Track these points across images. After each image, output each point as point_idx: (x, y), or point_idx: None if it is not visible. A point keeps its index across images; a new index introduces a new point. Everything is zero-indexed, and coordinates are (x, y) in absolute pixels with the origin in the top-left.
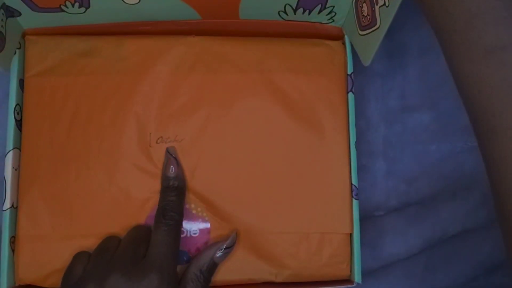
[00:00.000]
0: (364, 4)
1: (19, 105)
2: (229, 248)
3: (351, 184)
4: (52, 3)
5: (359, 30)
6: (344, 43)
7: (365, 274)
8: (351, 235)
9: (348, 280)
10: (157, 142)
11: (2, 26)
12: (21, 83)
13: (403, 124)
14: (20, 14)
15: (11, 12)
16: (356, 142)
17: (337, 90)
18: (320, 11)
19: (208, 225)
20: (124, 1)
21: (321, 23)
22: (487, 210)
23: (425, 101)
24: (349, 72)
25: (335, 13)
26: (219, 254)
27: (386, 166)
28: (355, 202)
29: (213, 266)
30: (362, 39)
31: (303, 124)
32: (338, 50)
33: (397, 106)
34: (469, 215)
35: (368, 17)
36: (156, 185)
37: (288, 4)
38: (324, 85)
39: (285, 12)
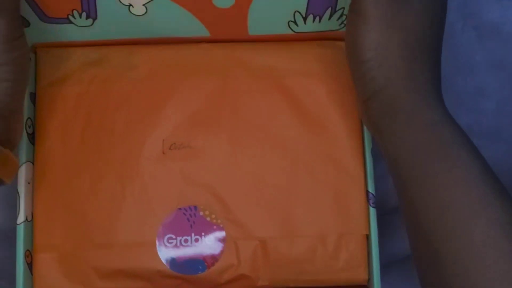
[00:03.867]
0: None
1: (31, 119)
2: None
3: (367, 191)
4: (60, 12)
5: None
6: None
7: None
8: (367, 237)
9: (365, 286)
10: (170, 149)
11: None
12: (32, 96)
13: None
14: (29, 24)
15: None
16: (372, 149)
17: (349, 92)
18: (330, 16)
19: (223, 232)
20: (131, 12)
21: (332, 30)
22: None
23: None
24: None
25: (346, 16)
26: None
27: (386, 165)
28: (372, 210)
29: None
30: None
31: (316, 128)
32: None
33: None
34: None
35: None
36: (170, 192)
37: (298, 11)
38: (336, 87)
39: (295, 22)
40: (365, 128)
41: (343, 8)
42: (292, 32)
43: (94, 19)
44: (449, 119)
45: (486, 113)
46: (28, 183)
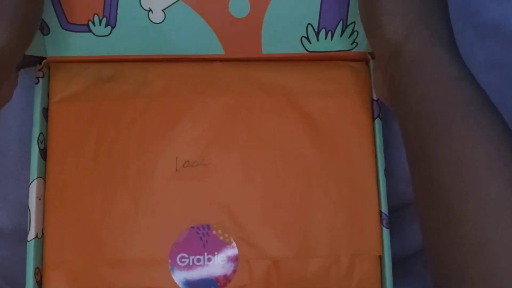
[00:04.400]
0: None
1: (43, 134)
2: None
3: (380, 211)
4: (83, 16)
5: None
6: (367, 63)
7: None
8: (380, 257)
9: None
10: (183, 166)
11: None
12: (45, 112)
13: None
14: (49, 31)
15: (41, 27)
16: (385, 169)
17: (362, 112)
18: (342, 32)
19: (236, 252)
20: (149, 19)
21: (345, 50)
22: None
23: None
24: (375, 98)
25: (357, 33)
26: None
27: (385, 165)
28: (385, 230)
29: None
30: None
31: (330, 147)
32: (362, 70)
33: None
34: None
35: None
36: (183, 210)
37: (310, 24)
38: (349, 106)
39: (307, 38)
40: (378, 147)
41: (354, 22)
42: (305, 52)
43: (113, 27)
44: (471, 76)
45: None
46: (39, 199)
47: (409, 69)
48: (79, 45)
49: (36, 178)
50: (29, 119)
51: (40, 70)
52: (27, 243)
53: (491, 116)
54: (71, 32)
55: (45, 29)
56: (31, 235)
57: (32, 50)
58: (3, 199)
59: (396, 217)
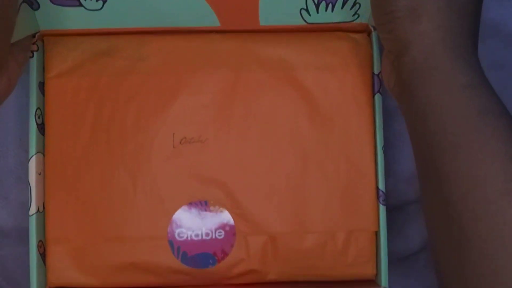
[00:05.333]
0: None
1: (40, 109)
2: None
3: (377, 188)
4: None
5: None
6: (369, 35)
7: None
8: (376, 233)
9: (373, 281)
10: (181, 143)
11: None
12: (41, 86)
13: (402, 123)
14: (38, 6)
15: (30, 2)
16: (383, 146)
17: (362, 87)
18: (343, 4)
19: (233, 227)
20: None
21: (345, 22)
22: None
23: None
24: (376, 72)
25: (360, 5)
26: None
27: (385, 164)
28: (382, 207)
29: None
30: None
31: (328, 123)
32: (363, 43)
33: (396, 105)
34: None
35: None
36: (181, 187)
37: None
38: (349, 81)
39: (307, 10)
40: (377, 124)
41: None
42: (305, 23)
43: (104, 1)
44: (487, 84)
45: None
46: (39, 174)
47: (417, 70)
48: (70, 19)
49: (35, 154)
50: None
51: (34, 43)
52: (29, 217)
53: (505, 128)
54: (62, 7)
55: (34, 4)
56: (33, 209)
57: (24, 28)
58: (4, 199)
59: (396, 216)
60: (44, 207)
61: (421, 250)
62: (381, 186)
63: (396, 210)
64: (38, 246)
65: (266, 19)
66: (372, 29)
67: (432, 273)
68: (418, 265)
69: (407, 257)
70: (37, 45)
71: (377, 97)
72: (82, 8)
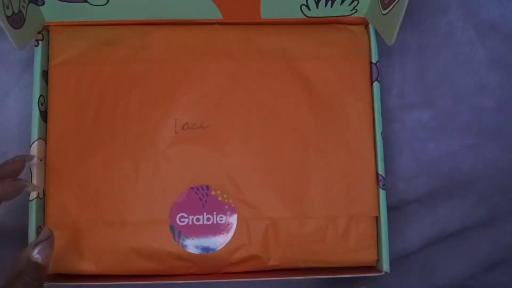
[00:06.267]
0: None
1: (43, 96)
2: (45, 241)
3: (377, 173)
4: None
5: (382, 10)
6: (366, 27)
7: None
8: (377, 218)
9: (374, 267)
10: (183, 129)
11: (23, 6)
12: (45, 74)
13: (402, 123)
14: (43, 2)
15: None
16: (382, 132)
17: (361, 76)
18: (342, 0)
19: (234, 212)
20: None
21: (344, 16)
22: (485, 208)
23: (424, 100)
24: (374, 61)
25: (358, 1)
26: (35, 252)
27: (385, 164)
28: (381, 191)
29: (37, 268)
30: (385, 19)
31: (328, 111)
32: (361, 34)
33: (396, 104)
34: (468, 213)
35: None
36: (182, 172)
37: None
38: (348, 70)
39: (307, 5)
40: (376, 110)
41: None
42: (304, 17)
43: None
44: None
45: (486, 111)
46: (40, 160)
47: None
48: (76, 13)
49: (37, 140)
50: (29, 120)
51: (39, 32)
52: (29, 202)
53: None
54: (66, 3)
55: (39, 0)
56: (33, 195)
57: (30, 23)
58: None
59: (395, 215)
60: (44, 194)
61: (420, 250)
62: (380, 171)
63: (395, 210)
64: (37, 232)
65: (267, 13)
66: (369, 22)
67: (432, 272)
68: (418, 264)
69: (406, 257)
70: (42, 35)
71: (375, 84)
72: (87, 4)
